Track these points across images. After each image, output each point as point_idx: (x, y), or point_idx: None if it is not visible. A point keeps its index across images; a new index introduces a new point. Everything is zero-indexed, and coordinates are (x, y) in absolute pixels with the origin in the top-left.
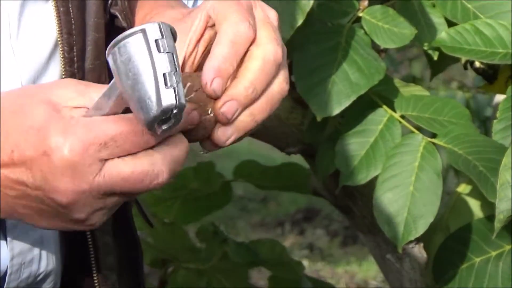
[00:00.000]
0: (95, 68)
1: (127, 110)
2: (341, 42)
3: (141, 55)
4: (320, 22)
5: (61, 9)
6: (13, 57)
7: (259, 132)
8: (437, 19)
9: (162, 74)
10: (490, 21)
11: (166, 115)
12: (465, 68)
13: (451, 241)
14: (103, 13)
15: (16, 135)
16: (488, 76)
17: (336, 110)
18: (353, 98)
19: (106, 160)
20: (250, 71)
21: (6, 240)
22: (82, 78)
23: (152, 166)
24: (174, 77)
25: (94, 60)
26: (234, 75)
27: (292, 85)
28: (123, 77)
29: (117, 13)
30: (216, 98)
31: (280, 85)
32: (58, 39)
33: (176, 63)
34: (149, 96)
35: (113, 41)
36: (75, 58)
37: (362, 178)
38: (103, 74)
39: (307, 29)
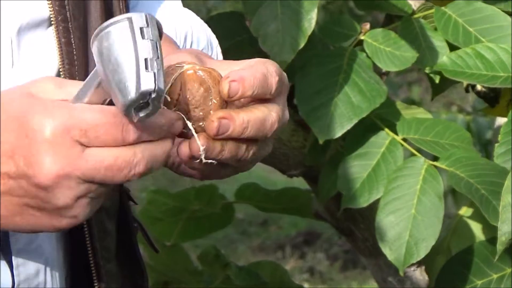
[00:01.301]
0: None
1: (108, 103)
2: (343, 65)
3: (125, 39)
4: (322, 45)
5: (63, 39)
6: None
7: None
8: (439, 43)
9: (143, 59)
10: (491, 45)
11: (144, 99)
12: (467, 91)
13: (453, 263)
14: None
15: None
16: (489, 99)
17: (338, 133)
18: (355, 121)
19: (87, 146)
20: (253, 114)
21: (12, 266)
22: None
23: (133, 156)
24: (155, 63)
25: None
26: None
27: (294, 107)
28: (105, 62)
29: None
30: (224, 98)
31: (272, 121)
32: (60, 69)
33: (159, 51)
34: (128, 79)
35: (97, 28)
36: None
37: (364, 201)
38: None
39: (309, 51)
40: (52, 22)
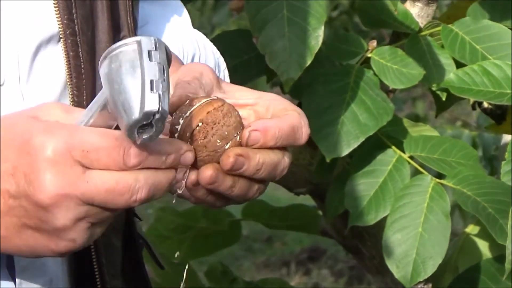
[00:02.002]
0: None
1: (114, 128)
2: (350, 83)
3: (132, 61)
4: (329, 63)
5: (71, 53)
6: (22, 101)
7: None
8: (446, 60)
9: (149, 80)
10: (498, 62)
11: (148, 119)
12: (473, 108)
13: (460, 281)
14: None
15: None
16: (496, 116)
17: (345, 151)
18: (362, 139)
19: (88, 168)
20: (285, 123)
21: (15, 283)
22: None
23: (135, 181)
24: (161, 85)
25: None
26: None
27: None
28: (111, 83)
29: None
30: (243, 144)
31: (285, 165)
32: (68, 83)
33: (165, 74)
34: (133, 99)
35: (106, 50)
36: (84, 102)
37: (371, 218)
38: None
39: (316, 69)
40: (61, 36)
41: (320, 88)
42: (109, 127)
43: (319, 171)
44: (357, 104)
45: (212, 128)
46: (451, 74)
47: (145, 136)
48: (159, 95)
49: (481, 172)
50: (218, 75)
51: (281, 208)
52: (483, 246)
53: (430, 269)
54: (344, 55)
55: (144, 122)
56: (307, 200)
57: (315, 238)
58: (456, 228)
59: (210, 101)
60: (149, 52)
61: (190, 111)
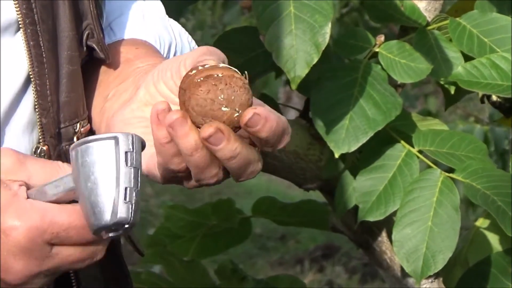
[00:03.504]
0: (70, 101)
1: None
2: (358, 78)
3: (108, 163)
4: (337, 58)
5: (31, 42)
6: None
7: (278, 168)
8: (454, 54)
9: (124, 188)
10: (507, 54)
11: (116, 227)
12: (482, 102)
13: (470, 275)
14: (77, 46)
15: None
16: (505, 109)
17: (354, 146)
18: (371, 134)
19: (56, 245)
20: (247, 153)
21: None
22: (57, 111)
23: (96, 249)
24: (134, 194)
25: (69, 92)
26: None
27: (309, 121)
28: (83, 177)
29: (94, 45)
30: (240, 125)
31: (258, 167)
32: (30, 72)
33: (139, 180)
34: (105, 204)
35: (82, 139)
36: (48, 91)
37: (381, 213)
38: (80, 107)
39: (323, 65)
40: (20, 25)
41: (328, 83)
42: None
43: (328, 167)
44: (366, 99)
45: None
46: (459, 68)
47: (111, 234)
48: (131, 205)
49: (490, 165)
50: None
51: (291, 204)
52: (493, 240)
53: (440, 263)
54: (352, 50)
55: (112, 228)
56: (319, 197)
57: (329, 236)
58: (465, 221)
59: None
60: (126, 154)
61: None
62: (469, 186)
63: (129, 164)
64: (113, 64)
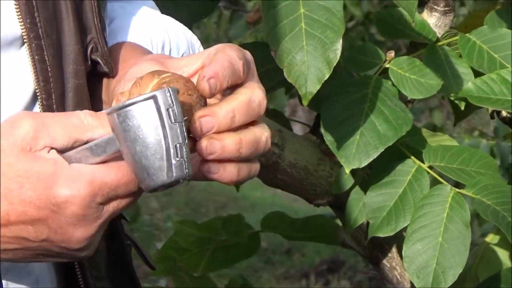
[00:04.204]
0: None
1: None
2: (368, 94)
3: (154, 124)
4: (347, 74)
5: (36, 57)
6: None
7: (288, 184)
8: (464, 69)
9: (174, 146)
10: None
11: (173, 184)
12: (492, 117)
13: None
14: (83, 60)
15: (8, 199)
16: None
17: (365, 162)
18: (381, 149)
19: (105, 203)
20: (236, 100)
21: (1, 285)
22: None
23: (139, 193)
24: (184, 148)
25: (76, 106)
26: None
27: (320, 137)
28: (130, 141)
29: (98, 59)
30: (205, 97)
31: (266, 138)
32: (36, 87)
33: (185, 132)
34: (159, 166)
35: (119, 103)
36: (54, 106)
37: (391, 229)
38: None
39: (334, 81)
40: (25, 40)
41: (339, 99)
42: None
43: (338, 182)
44: (376, 114)
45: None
46: (469, 83)
47: (167, 189)
48: (184, 160)
49: (500, 181)
50: (193, 53)
51: (300, 219)
52: (503, 255)
53: (450, 279)
54: (362, 66)
55: (169, 186)
56: (325, 211)
57: (335, 249)
58: (473, 237)
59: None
60: (168, 111)
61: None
62: (480, 202)
63: (173, 120)
64: (114, 74)
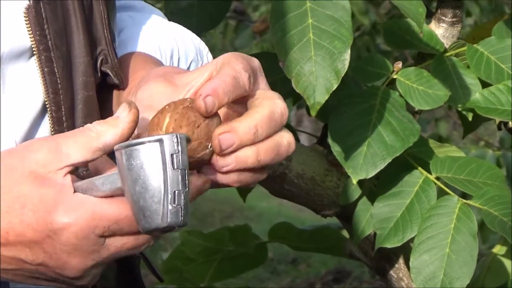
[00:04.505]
0: None
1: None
2: (376, 104)
3: (155, 167)
4: (354, 84)
5: (46, 69)
6: (2, 117)
7: (295, 195)
8: (471, 80)
9: (172, 192)
10: None
11: (167, 230)
12: (499, 128)
13: None
14: (92, 72)
15: (8, 217)
16: None
17: (372, 173)
18: (389, 160)
19: (108, 236)
20: (258, 113)
21: None
22: None
23: (149, 237)
24: (182, 196)
25: (86, 118)
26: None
27: (327, 148)
28: (131, 180)
29: (108, 71)
30: (204, 115)
31: (288, 141)
32: (45, 99)
33: (187, 180)
34: (155, 209)
35: (127, 141)
36: (63, 118)
37: (398, 240)
38: None
39: (341, 91)
40: (34, 52)
41: (346, 110)
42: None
43: (345, 193)
44: (383, 125)
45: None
46: (477, 94)
47: (162, 234)
48: (181, 208)
49: (507, 192)
50: (201, 60)
51: (307, 230)
52: (510, 266)
53: None
54: (370, 77)
55: (163, 231)
56: (331, 222)
57: (340, 260)
58: (480, 248)
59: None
60: (172, 157)
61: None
62: (487, 213)
63: (175, 167)
64: (124, 85)
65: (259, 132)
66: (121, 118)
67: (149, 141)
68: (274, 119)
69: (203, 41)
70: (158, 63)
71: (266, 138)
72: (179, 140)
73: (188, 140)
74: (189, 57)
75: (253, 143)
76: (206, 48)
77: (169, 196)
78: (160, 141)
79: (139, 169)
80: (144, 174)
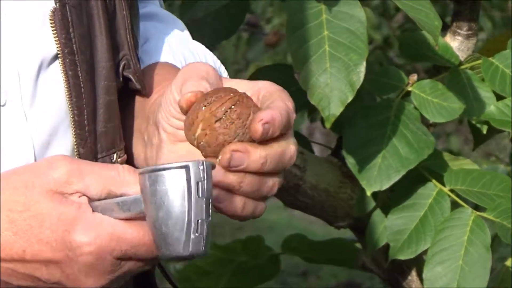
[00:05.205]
0: (107, 131)
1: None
2: (390, 117)
3: (180, 194)
4: (369, 96)
5: (70, 72)
6: (25, 122)
7: (309, 206)
8: (486, 93)
9: (196, 221)
10: None
11: (187, 259)
12: None
13: None
14: (114, 77)
15: (26, 235)
16: None
17: (386, 185)
18: (403, 172)
19: (124, 260)
20: (271, 148)
21: None
22: (94, 141)
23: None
24: (205, 225)
25: (106, 122)
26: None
27: (341, 159)
28: (154, 205)
29: (130, 76)
30: (255, 139)
31: (291, 151)
32: (68, 102)
33: (210, 210)
34: (177, 237)
35: (153, 166)
36: (85, 121)
37: (412, 252)
38: (117, 138)
39: (356, 103)
40: (59, 55)
41: (361, 122)
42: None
43: (359, 205)
44: (398, 137)
45: (230, 121)
46: (492, 107)
47: (180, 262)
48: (203, 237)
49: None
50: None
51: (320, 242)
52: None
53: None
54: (385, 89)
55: (183, 259)
56: (343, 234)
57: (350, 272)
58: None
59: (224, 95)
60: (197, 184)
61: (205, 105)
62: (500, 225)
63: (200, 195)
64: (146, 91)
65: (266, 164)
66: None
67: (176, 167)
68: (283, 160)
69: (215, 53)
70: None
71: (269, 173)
72: (205, 167)
73: (213, 167)
74: None
75: (257, 172)
76: (225, 73)
77: (193, 224)
78: (186, 168)
79: (164, 195)
80: (168, 200)
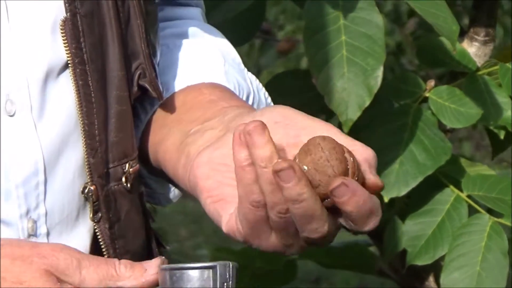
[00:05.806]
0: (119, 141)
1: None
2: (408, 123)
3: None
4: (387, 102)
5: (80, 82)
6: (35, 131)
7: None
8: (503, 99)
9: None
10: None
11: None
12: None
13: None
14: (127, 86)
15: None
16: None
17: (404, 191)
18: (420, 178)
19: None
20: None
21: None
22: (106, 151)
23: None
24: None
25: (118, 132)
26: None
27: None
28: None
29: (146, 85)
30: (327, 191)
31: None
32: (78, 112)
33: None
34: None
35: (179, 264)
36: (96, 131)
37: (429, 258)
38: (129, 147)
39: (374, 109)
40: (69, 65)
41: (378, 128)
42: None
43: None
44: (416, 143)
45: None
46: (509, 112)
47: None
48: None
49: None
50: (258, 96)
51: (336, 247)
52: None
53: None
54: (402, 95)
55: None
56: (355, 238)
57: (363, 278)
58: None
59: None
60: (223, 285)
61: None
62: None
63: None
64: (190, 104)
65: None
66: (148, 273)
67: (203, 267)
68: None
69: None
70: (239, 97)
71: None
72: (231, 269)
73: (237, 269)
74: (250, 95)
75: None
76: (261, 85)
77: None
78: (214, 268)
79: None
80: None
